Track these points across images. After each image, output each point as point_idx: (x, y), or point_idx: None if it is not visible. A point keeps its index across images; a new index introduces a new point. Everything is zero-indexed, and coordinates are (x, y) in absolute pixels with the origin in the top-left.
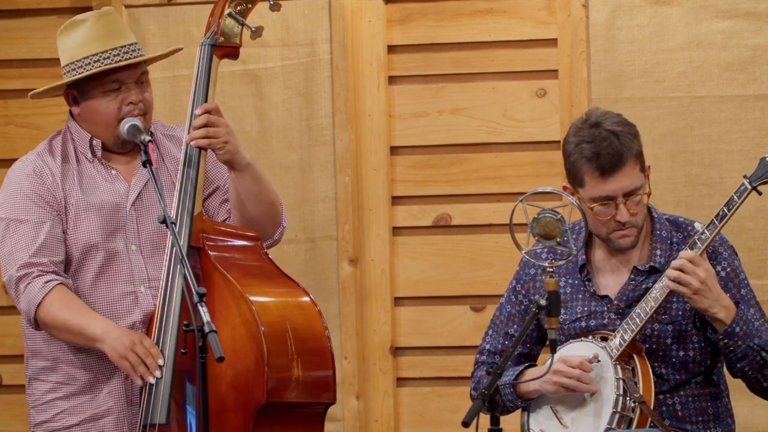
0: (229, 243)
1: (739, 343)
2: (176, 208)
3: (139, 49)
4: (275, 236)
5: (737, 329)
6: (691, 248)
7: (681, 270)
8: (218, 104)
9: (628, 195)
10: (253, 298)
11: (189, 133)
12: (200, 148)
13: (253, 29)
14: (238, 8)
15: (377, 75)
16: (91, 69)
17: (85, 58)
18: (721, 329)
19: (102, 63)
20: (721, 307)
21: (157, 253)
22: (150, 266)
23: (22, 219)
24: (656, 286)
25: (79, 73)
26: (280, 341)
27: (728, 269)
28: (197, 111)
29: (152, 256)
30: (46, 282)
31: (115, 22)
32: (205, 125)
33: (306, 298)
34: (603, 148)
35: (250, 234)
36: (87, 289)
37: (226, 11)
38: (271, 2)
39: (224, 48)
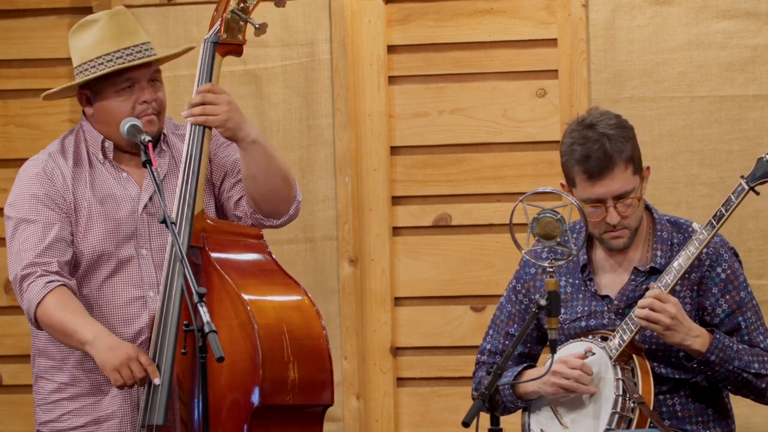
0: (230, 242)
1: (717, 368)
2: (177, 207)
3: (151, 49)
4: (291, 211)
5: (712, 357)
6: (689, 248)
7: (650, 308)
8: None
9: (618, 198)
10: (249, 299)
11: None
12: (201, 146)
13: (257, 26)
14: (242, 5)
15: (377, 75)
16: (103, 69)
17: (97, 58)
18: (697, 357)
19: (114, 63)
20: (694, 338)
21: None
22: (160, 271)
23: (31, 219)
24: (655, 285)
25: (92, 73)
26: (275, 343)
27: (728, 271)
28: (196, 91)
29: (163, 260)
30: (48, 282)
31: (128, 21)
32: (202, 103)
33: (304, 298)
34: (593, 151)
35: (253, 232)
36: (95, 294)
37: (230, 8)
38: None
39: (227, 45)
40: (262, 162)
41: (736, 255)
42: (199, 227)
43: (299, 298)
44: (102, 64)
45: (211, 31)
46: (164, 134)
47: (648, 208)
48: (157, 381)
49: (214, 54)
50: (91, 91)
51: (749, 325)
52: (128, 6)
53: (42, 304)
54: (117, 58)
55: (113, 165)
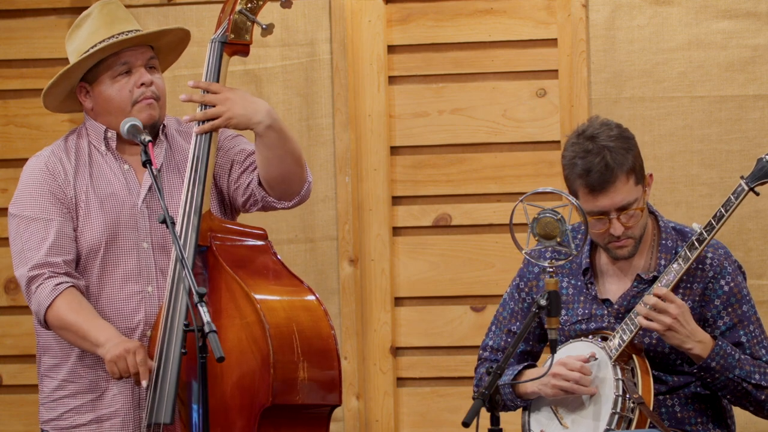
0: (237, 242)
1: (717, 375)
2: (184, 206)
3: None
4: (302, 192)
5: (713, 364)
6: (689, 249)
7: (653, 308)
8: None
9: (621, 209)
10: (260, 299)
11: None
12: (209, 146)
13: (264, 27)
14: (249, 5)
15: (377, 75)
16: (98, 54)
17: (92, 48)
18: (698, 362)
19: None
20: (696, 342)
21: (169, 250)
22: (160, 264)
23: (33, 216)
24: (656, 286)
25: (88, 62)
26: (286, 342)
27: (731, 284)
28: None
29: (164, 253)
30: (57, 284)
31: (119, 9)
32: (203, 103)
33: (313, 298)
34: (594, 164)
35: (259, 232)
36: (94, 288)
37: (237, 8)
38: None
39: (234, 45)
40: (277, 146)
41: (740, 268)
42: (206, 227)
43: (308, 298)
44: (97, 50)
45: (219, 31)
46: (164, 125)
47: (653, 214)
48: (144, 384)
49: (221, 54)
50: (89, 82)
51: (751, 339)
52: (128, 6)
53: (52, 307)
54: (112, 44)
55: (115, 156)
